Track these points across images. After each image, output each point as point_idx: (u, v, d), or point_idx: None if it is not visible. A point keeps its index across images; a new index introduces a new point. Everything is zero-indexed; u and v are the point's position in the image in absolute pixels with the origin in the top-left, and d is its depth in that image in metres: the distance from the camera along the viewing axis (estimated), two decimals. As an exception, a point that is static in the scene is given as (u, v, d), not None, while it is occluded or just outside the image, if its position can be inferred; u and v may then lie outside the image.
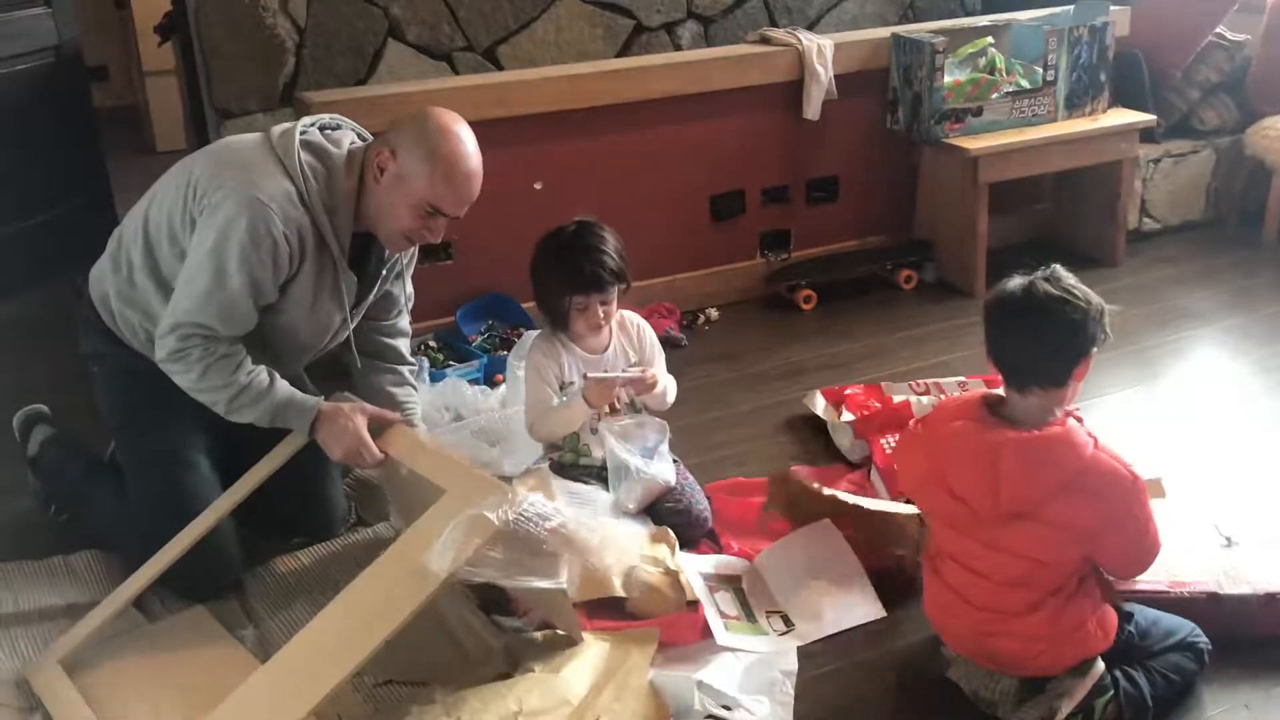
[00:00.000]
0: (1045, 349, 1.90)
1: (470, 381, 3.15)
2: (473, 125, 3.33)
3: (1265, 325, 3.55)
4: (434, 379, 3.14)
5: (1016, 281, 1.94)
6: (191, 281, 2.17)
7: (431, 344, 3.41)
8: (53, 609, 2.31)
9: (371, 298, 2.45)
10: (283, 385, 2.27)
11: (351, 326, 2.42)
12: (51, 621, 2.27)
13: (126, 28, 5.98)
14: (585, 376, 2.50)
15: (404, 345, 2.63)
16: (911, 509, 2.34)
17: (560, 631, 2.17)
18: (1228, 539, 2.28)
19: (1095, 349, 1.93)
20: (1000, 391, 1.99)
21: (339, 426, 2.25)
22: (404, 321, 2.64)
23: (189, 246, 2.19)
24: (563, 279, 2.47)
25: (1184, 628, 2.06)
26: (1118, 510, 1.87)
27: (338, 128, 2.35)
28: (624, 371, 2.53)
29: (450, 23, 3.89)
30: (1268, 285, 3.86)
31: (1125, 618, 2.02)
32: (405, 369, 2.61)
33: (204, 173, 2.21)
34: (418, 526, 1.96)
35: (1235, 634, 2.12)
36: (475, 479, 2.02)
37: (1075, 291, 1.91)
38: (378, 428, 2.28)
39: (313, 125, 2.30)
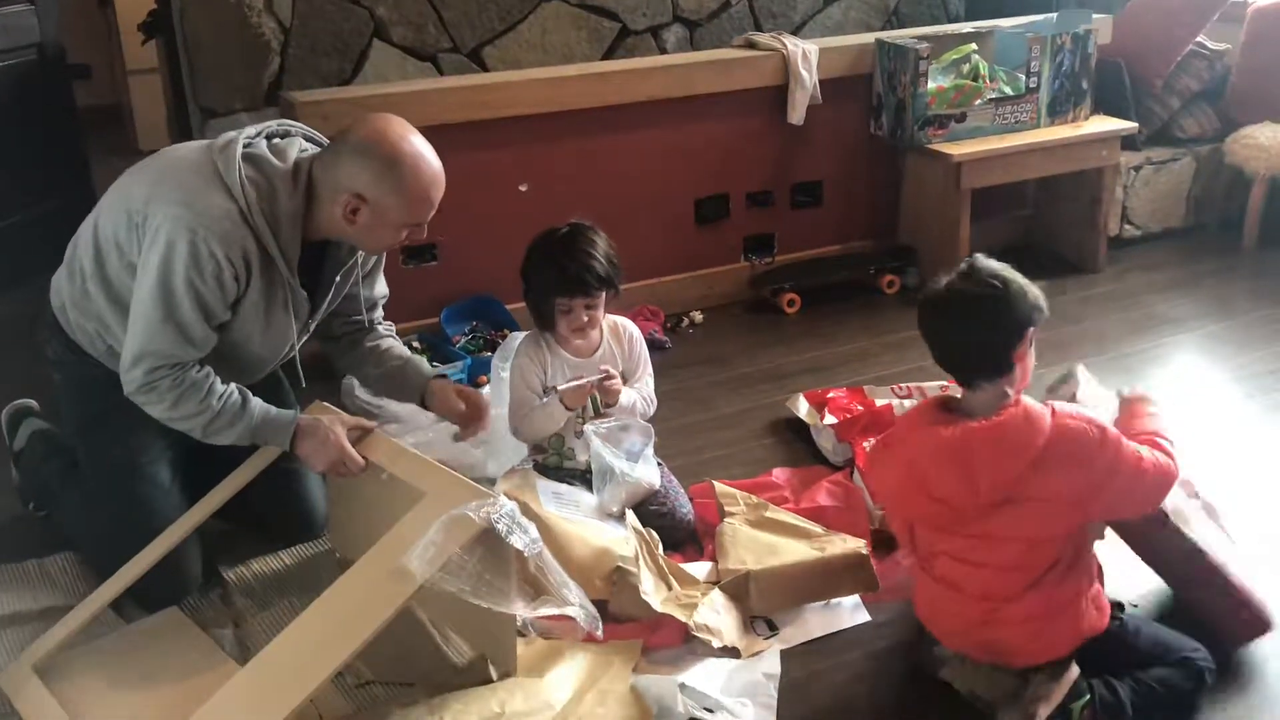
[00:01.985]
0: (976, 340, 1.93)
1: (455, 382, 3.14)
2: (457, 127, 3.38)
3: (1244, 331, 3.58)
4: (417, 380, 3.13)
5: (939, 282, 1.97)
6: (143, 313, 2.13)
7: (416, 344, 3.40)
8: (28, 613, 2.30)
9: (326, 305, 2.40)
10: (257, 404, 2.24)
11: (302, 339, 2.36)
12: (27, 625, 2.25)
13: (109, 26, 5.95)
14: (556, 389, 2.50)
15: (383, 327, 2.60)
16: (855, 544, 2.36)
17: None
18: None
19: (1032, 328, 1.93)
20: (956, 392, 2.02)
21: (319, 439, 2.22)
22: (377, 314, 2.58)
23: (136, 260, 2.15)
24: (548, 280, 2.47)
25: (1182, 644, 2.03)
26: (1098, 467, 1.87)
27: (286, 135, 2.28)
28: (594, 376, 2.53)
29: (436, 24, 3.89)
30: (1246, 292, 3.90)
31: (1117, 606, 2.04)
32: (380, 326, 2.58)
33: (143, 191, 2.15)
34: (397, 530, 1.95)
35: (1206, 628, 2.11)
36: (455, 483, 2.02)
37: (991, 279, 1.91)
38: (357, 436, 2.26)
39: (258, 136, 2.23)
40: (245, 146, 2.16)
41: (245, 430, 2.22)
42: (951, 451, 1.90)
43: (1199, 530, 2.12)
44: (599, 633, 2.07)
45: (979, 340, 1.93)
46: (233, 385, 2.23)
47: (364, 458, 2.23)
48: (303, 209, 2.18)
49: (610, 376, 2.54)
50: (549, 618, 2.04)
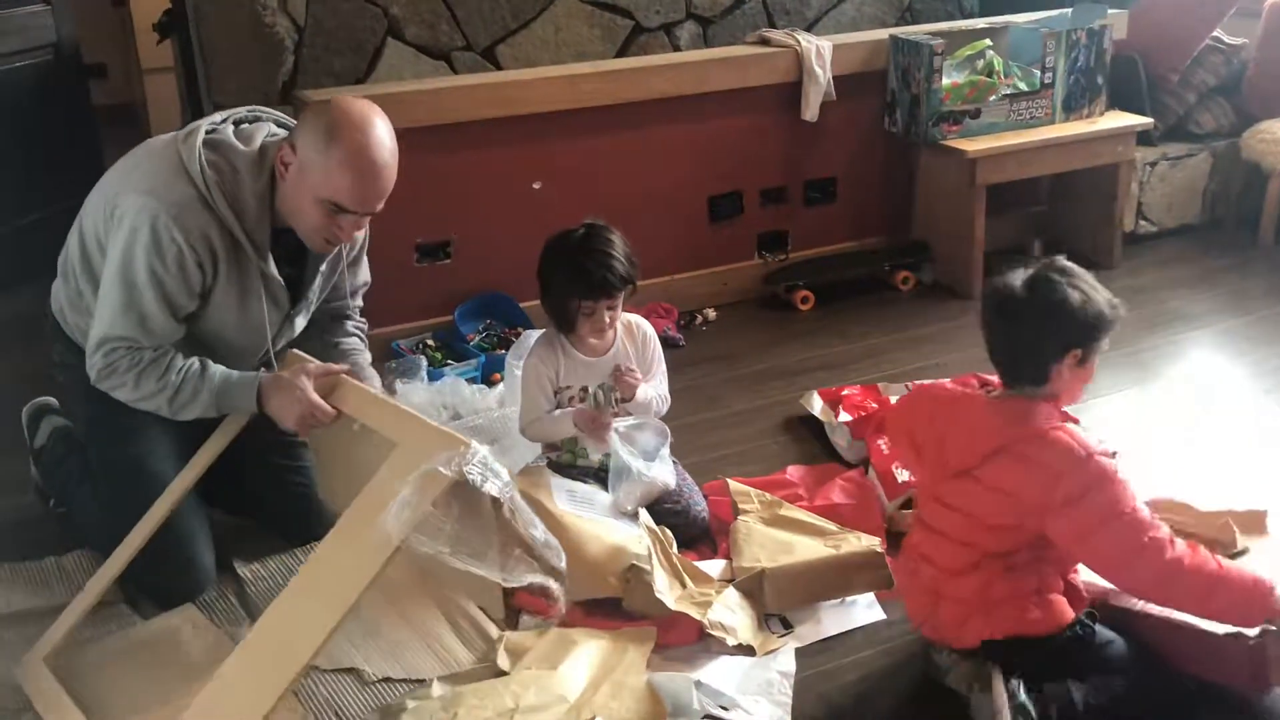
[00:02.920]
0: (1018, 344, 1.92)
1: (468, 380, 3.15)
2: (471, 125, 3.38)
3: (1261, 328, 3.56)
4: (432, 378, 3.14)
5: (1006, 275, 1.94)
6: (106, 299, 2.14)
7: (430, 343, 3.41)
8: (46, 609, 2.30)
9: (317, 296, 2.37)
10: (217, 369, 2.20)
11: (285, 331, 2.33)
12: (44, 622, 2.25)
13: (125, 25, 5.97)
14: (576, 399, 2.50)
15: (353, 324, 2.55)
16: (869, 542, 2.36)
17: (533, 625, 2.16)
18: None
19: (1080, 348, 1.89)
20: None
21: (286, 394, 2.13)
22: (357, 302, 2.56)
23: None
24: (570, 282, 2.46)
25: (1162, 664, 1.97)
26: (1064, 485, 1.82)
27: (255, 120, 2.27)
28: (615, 410, 2.52)
29: (449, 22, 3.90)
30: (1263, 288, 3.88)
31: (1089, 615, 1.98)
32: (350, 324, 2.53)
33: (115, 183, 2.18)
34: (372, 486, 1.86)
35: (1218, 679, 1.98)
36: (428, 430, 1.89)
37: (1052, 287, 1.88)
38: (326, 385, 2.15)
39: (224, 121, 2.22)
40: (209, 133, 2.17)
41: (210, 398, 2.17)
42: (945, 409, 1.95)
43: None
44: (561, 605, 2.01)
45: (1015, 346, 1.92)
46: (194, 358, 2.20)
47: (335, 409, 2.13)
48: (269, 191, 2.16)
49: (629, 370, 2.54)
50: (527, 597, 2.01)
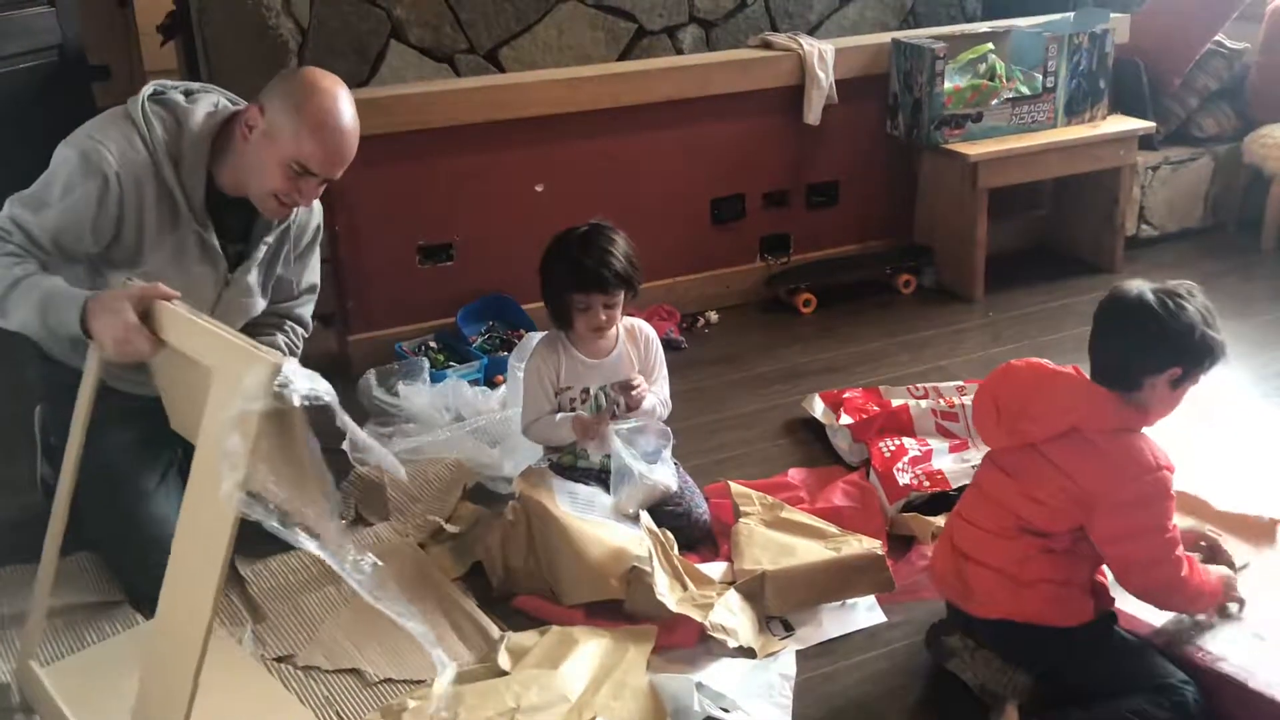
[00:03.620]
0: (1123, 347, 1.93)
1: (471, 382, 3.16)
2: (474, 127, 3.39)
3: (1262, 332, 3.56)
4: (435, 379, 3.15)
5: (1135, 281, 1.96)
6: (19, 194, 2.17)
7: (432, 344, 3.42)
8: (48, 611, 2.30)
9: (256, 274, 2.36)
10: (55, 278, 2.08)
11: (229, 305, 2.30)
12: (46, 622, 2.26)
13: (128, 27, 5.99)
14: (583, 404, 2.51)
15: (289, 323, 2.52)
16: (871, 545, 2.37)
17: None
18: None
19: (1182, 369, 1.91)
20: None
21: (108, 314, 1.91)
22: (300, 309, 2.53)
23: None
24: (566, 276, 2.47)
25: (1168, 671, 1.93)
26: (1129, 489, 1.87)
27: (207, 93, 2.31)
28: (624, 388, 2.54)
29: (453, 25, 3.91)
30: (1265, 292, 3.88)
31: (1109, 618, 2.01)
32: (282, 329, 2.49)
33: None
34: (205, 431, 1.64)
35: None
36: (240, 353, 1.63)
37: (1171, 305, 1.89)
38: (148, 310, 1.90)
39: (174, 88, 2.28)
40: (159, 93, 2.22)
41: (39, 303, 2.04)
42: (1036, 378, 1.99)
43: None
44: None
45: (1121, 348, 1.94)
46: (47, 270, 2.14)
47: (157, 336, 1.90)
48: (209, 150, 2.20)
49: (635, 385, 2.54)
50: (527, 598, 2.00)
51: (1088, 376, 2.00)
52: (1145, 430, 1.96)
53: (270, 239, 2.36)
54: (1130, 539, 1.90)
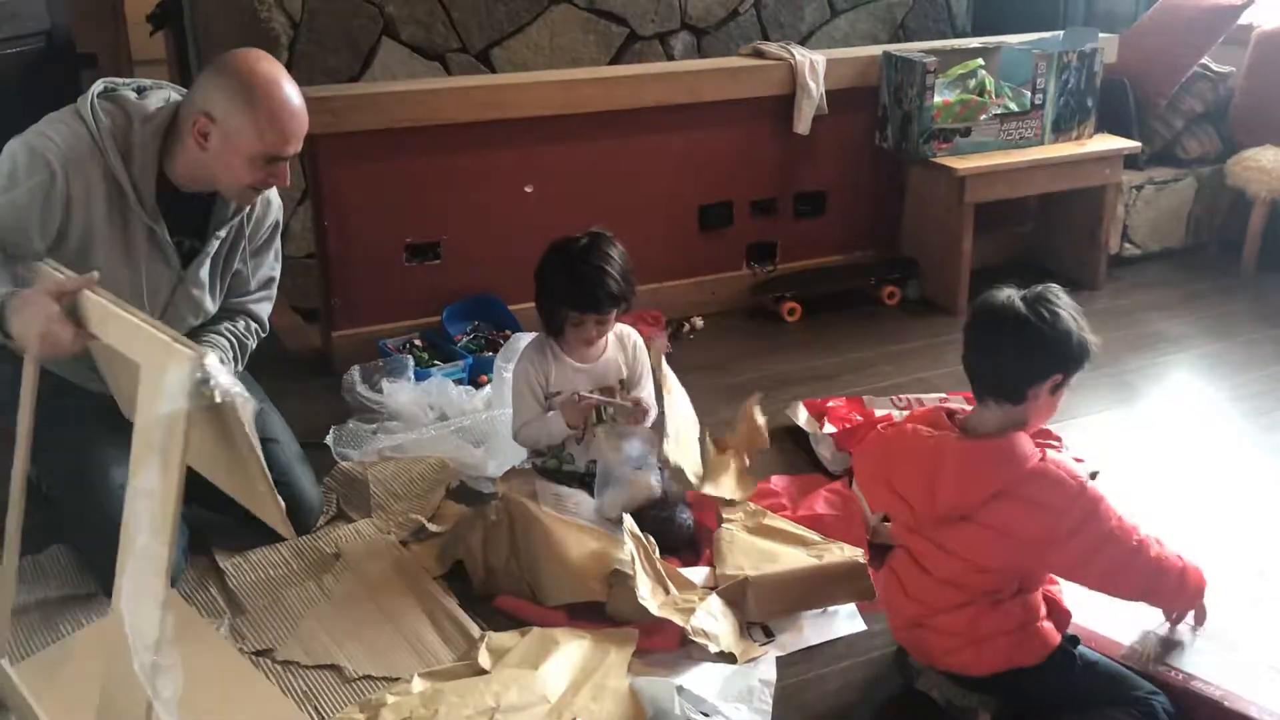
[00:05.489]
0: (998, 360, 1.91)
1: (455, 381, 3.15)
2: (464, 126, 3.39)
3: (1242, 352, 3.60)
4: (419, 378, 3.14)
5: (1002, 291, 1.94)
6: None
7: (417, 343, 3.41)
8: (23, 606, 2.27)
9: (210, 269, 2.33)
10: None
11: (184, 299, 2.28)
12: (22, 617, 2.23)
13: (116, 15, 5.94)
14: (556, 401, 2.50)
15: (243, 319, 2.46)
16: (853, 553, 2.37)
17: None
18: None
19: (1062, 374, 1.90)
20: (967, 405, 2.02)
21: (30, 309, 1.82)
22: (254, 305, 2.48)
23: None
24: (563, 293, 2.46)
25: (1140, 684, 1.94)
26: (1066, 519, 1.84)
27: (159, 88, 2.29)
28: (608, 394, 2.54)
29: (445, 23, 3.90)
30: (1245, 312, 3.91)
31: (1069, 640, 1.99)
32: (231, 323, 2.42)
33: None
34: (137, 436, 1.58)
35: None
36: (164, 348, 1.57)
37: (1043, 311, 1.88)
38: (71, 303, 1.81)
39: (126, 84, 2.26)
40: (110, 90, 2.21)
41: None
42: (925, 456, 1.91)
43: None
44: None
45: (1000, 361, 1.91)
46: None
47: (80, 329, 1.81)
48: (159, 144, 2.18)
49: (640, 407, 2.55)
50: (508, 599, 1.98)
51: (950, 408, 2.01)
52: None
53: (223, 233, 2.33)
54: (1093, 555, 1.87)
